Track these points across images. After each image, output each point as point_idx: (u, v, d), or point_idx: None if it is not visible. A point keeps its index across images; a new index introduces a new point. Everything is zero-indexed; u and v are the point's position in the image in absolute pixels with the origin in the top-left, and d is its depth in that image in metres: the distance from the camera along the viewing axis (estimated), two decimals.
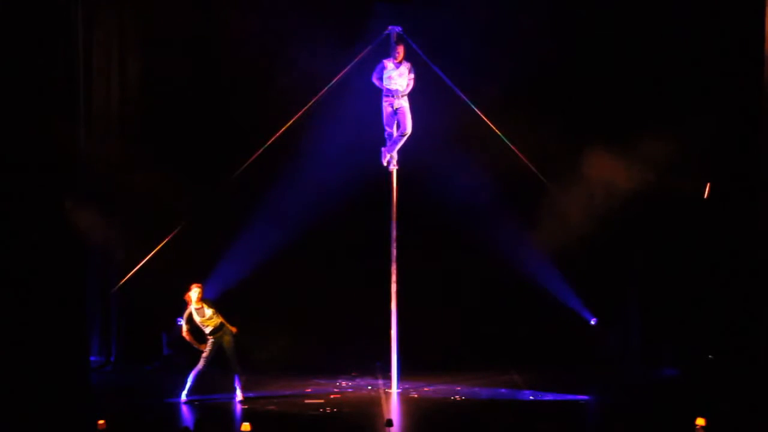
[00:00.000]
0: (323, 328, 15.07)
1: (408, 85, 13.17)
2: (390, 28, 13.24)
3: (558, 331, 15.06)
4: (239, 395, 12.86)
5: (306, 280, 15.10)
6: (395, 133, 13.28)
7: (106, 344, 15.11)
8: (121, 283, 13.96)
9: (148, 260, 13.48)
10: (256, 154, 13.41)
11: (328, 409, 12.24)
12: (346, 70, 13.39)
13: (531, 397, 13.01)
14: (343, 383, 13.90)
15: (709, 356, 14.32)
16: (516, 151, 13.59)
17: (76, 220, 13.24)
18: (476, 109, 13.49)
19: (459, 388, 13.53)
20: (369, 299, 14.15)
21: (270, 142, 13.41)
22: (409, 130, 13.20)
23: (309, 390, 13.45)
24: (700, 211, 14.30)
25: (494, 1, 14.89)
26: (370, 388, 13.63)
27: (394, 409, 12.53)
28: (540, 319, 15.10)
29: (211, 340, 12.92)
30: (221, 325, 12.92)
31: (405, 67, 13.13)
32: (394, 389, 13.25)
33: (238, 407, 12.47)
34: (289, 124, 13.45)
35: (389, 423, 10.42)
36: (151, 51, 14.96)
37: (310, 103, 13.45)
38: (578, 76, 14.83)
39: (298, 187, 14.87)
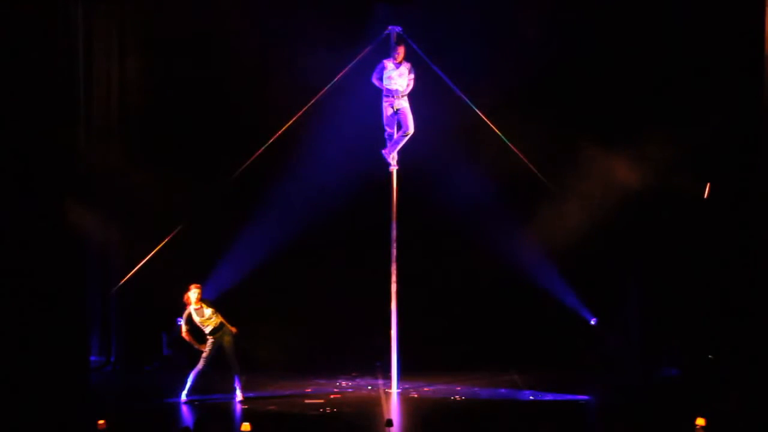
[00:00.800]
0: (323, 328, 15.07)
1: (408, 85, 13.17)
2: (390, 28, 13.24)
3: (558, 331, 15.06)
4: (239, 395, 12.87)
5: (306, 280, 15.10)
6: (395, 134, 13.28)
7: (106, 344, 15.12)
8: (121, 283, 13.96)
9: (148, 260, 13.49)
10: (256, 155, 13.42)
11: (328, 409, 12.23)
12: (346, 70, 13.39)
13: (531, 397, 13.01)
14: (343, 383, 13.90)
15: (709, 356, 14.32)
16: (516, 151, 13.59)
17: (76, 220, 13.25)
18: (476, 110, 13.49)
19: (459, 388, 13.53)
20: (369, 299, 14.14)
21: (270, 142, 13.41)
22: (411, 129, 13.20)
23: (309, 390, 13.45)
24: (700, 211, 14.30)
25: (494, 1, 14.88)
26: (370, 388, 13.63)
27: (394, 409, 12.53)
28: (540, 319, 15.09)
29: (210, 340, 12.93)
30: (221, 325, 12.93)
31: (405, 68, 13.14)
32: (394, 389, 13.25)
33: (238, 407, 12.47)
34: (289, 124, 13.45)
35: (389, 423, 10.42)
36: (151, 51, 14.95)
37: (310, 103, 13.45)
38: (578, 77, 14.82)
39: (298, 187, 14.88)
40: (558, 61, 14.77)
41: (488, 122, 13.50)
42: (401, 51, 13.10)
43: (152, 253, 13.46)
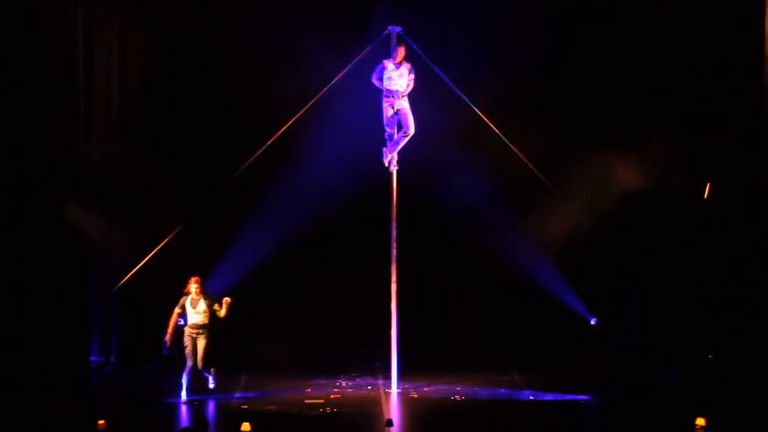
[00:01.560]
0: (323, 328, 15.07)
1: (408, 85, 13.17)
2: (390, 28, 13.24)
3: (558, 331, 15.06)
4: (211, 383, 13.00)
5: (306, 280, 15.10)
6: (396, 134, 13.28)
7: (106, 344, 15.12)
8: (121, 283, 13.96)
9: (148, 260, 13.49)
10: (256, 155, 13.42)
11: (328, 409, 12.23)
12: (346, 70, 13.39)
13: (531, 397, 13.01)
14: (343, 383, 13.90)
15: (709, 356, 14.32)
16: (516, 151, 13.59)
17: (76, 220, 13.24)
18: (476, 110, 13.49)
19: (459, 388, 13.53)
20: (369, 299, 14.14)
21: (270, 142, 13.42)
22: (412, 130, 13.20)
23: (309, 390, 13.45)
24: (700, 211, 14.31)
25: (495, 1, 14.88)
26: (370, 388, 13.63)
27: (394, 409, 12.53)
28: (540, 319, 15.09)
29: (187, 332, 12.98)
30: (205, 325, 12.95)
31: (405, 68, 13.13)
32: (394, 389, 13.25)
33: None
34: (289, 123, 13.46)
35: (389, 423, 10.42)
36: (151, 51, 14.96)
37: (310, 103, 13.45)
38: (578, 77, 14.83)
39: (299, 187, 14.87)
40: (558, 60, 14.77)
41: (488, 122, 13.50)
42: (401, 51, 13.10)
43: (152, 253, 13.47)
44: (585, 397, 12.81)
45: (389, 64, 13.14)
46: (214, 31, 14.86)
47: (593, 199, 14.69)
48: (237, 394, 13.04)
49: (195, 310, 13.02)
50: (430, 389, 13.54)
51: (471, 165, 14.84)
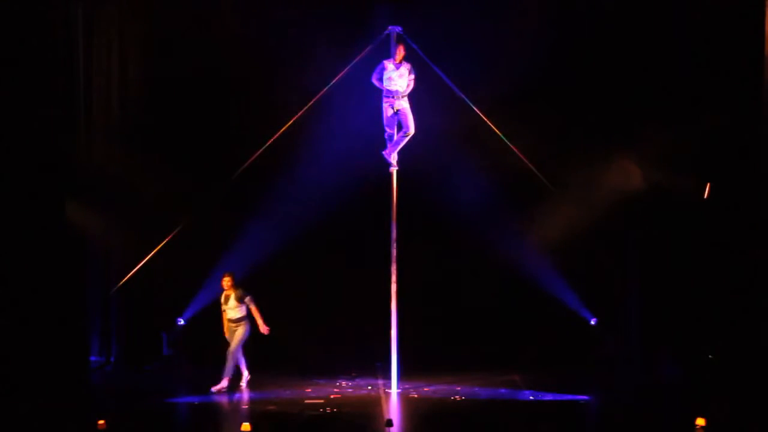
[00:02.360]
0: (323, 328, 15.07)
1: (408, 85, 13.17)
2: (390, 28, 13.23)
3: (558, 331, 15.06)
4: (219, 385, 13.29)
5: (306, 280, 15.10)
6: (395, 134, 13.28)
7: (106, 344, 15.12)
8: (121, 283, 13.97)
9: (148, 260, 13.50)
10: (256, 155, 13.43)
11: (328, 409, 12.23)
12: (346, 70, 13.39)
13: (531, 397, 13.01)
14: (343, 383, 13.90)
15: (709, 356, 14.33)
16: (516, 150, 13.60)
17: (76, 220, 13.25)
18: (476, 109, 13.50)
19: (459, 388, 13.53)
20: (369, 299, 14.14)
21: (270, 142, 13.42)
22: (412, 130, 13.20)
23: (309, 390, 13.45)
24: (700, 211, 14.31)
25: (495, 1, 14.89)
26: (370, 388, 13.63)
27: (394, 409, 12.52)
28: (540, 320, 15.09)
29: (229, 326, 13.65)
30: (240, 318, 13.53)
31: (405, 68, 13.13)
32: (394, 389, 13.25)
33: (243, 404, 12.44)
34: (289, 124, 13.46)
35: (389, 423, 10.42)
36: (151, 51, 14.96)
37: (310, 103, 13.46)
38: (578, 76, 14.83)
39: (298, 188, 14.87)
40: (558, 60, 14.76)
41: (488, 122, 13.50)
42: (401, 51, 13.10)
43: (152, 253, 13.48)
44: (585, 397, 12.80)
45: (389, 65, 13.14)
46: (214, 31, 14.85)
47: (593, 198, 14.68)
48: (237, 394, 13.03)
49: (228, 305, 13.55)
50: (430, 389, 13.53)
51: (471, 164, 14.84)
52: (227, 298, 13.57)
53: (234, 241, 14.94)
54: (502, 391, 13.48)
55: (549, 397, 12.98)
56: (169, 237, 13.43)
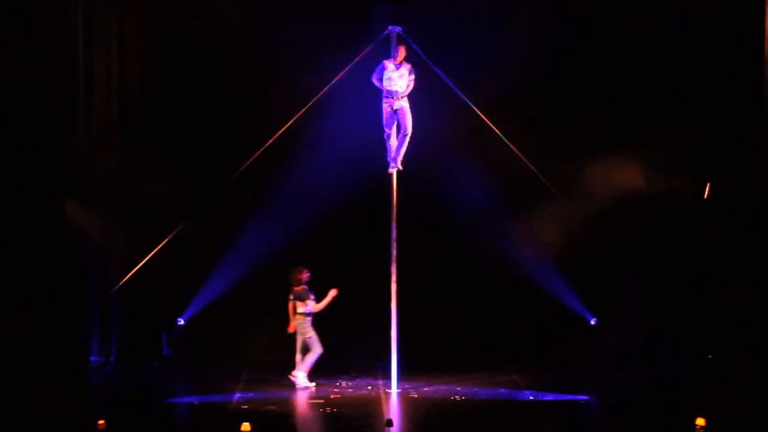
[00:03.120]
0: (323, 328, 15.05)
1: (408, 86, 13.15)
2: (390, 28, 13.23)
3: (558, 331, 15.06)
4: (294, 379, 13.47)
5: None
6: (393, 136, 13.25)
7: (106, 344, 15.11)
8: (121, 283, 13.97)
9: (148, 260, 13.50)
10: (256, 154, 13.43)
11: (328, 409, 12.23)
12: (346, 70, 13.39)
13: (531, 397, 13.00)
14: (343, 383, 13.90)
15: (709, 356, 14.32)
16: (516, 151, 13.59)
17: (76, 220, 13.25)
18: (476, 110, 13.49)
19: (459, 388, 13.53)
20: (369, 299, 14.14)
21: (270, 142, 13.42)
22: (409, 130, 13.19)
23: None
24: (700, 211, 14.31)
25: (495, 1, 14.89)
26: (370, 388, 13.63)
27: (394, 409, 12.52)
28: (540, 319, 15.09)
29: (310, 321, 13.69)
30: (311, 313, 13.58)
31: (405, 69, 13.12)
32: (394, 389, 13.25)
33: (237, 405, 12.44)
34: (289, 123, 13.46)
35: (389, 423, 10.42)
36: (151, 51, 14.96)
37: (310, 104, 13.45)
38: (578, 77, 14.83)
39: (298, 187, 14.86)
40: (558, 60, 14.76)
41: (488, 122, 13.50)
42: (402, 51, 13.09)
43: (152, 253, 13.47)
44: (585, 397, 12.80)
45: (389, 65, 13.14)
46: (214, 31, 14.86)
47: (593, 199, 14.67)
48: (237, 394, 13.04)
49: (299, 300, 13.62)
50: (430, 389, 13.53)
51: (471, 165, 14.84)
52: (303, 292, 13.57)
53: (234, 241, 14.93)
54: (502, 391, 13.48)
55: (549, 397, 12.97)
56: (169, 237, 13.42)
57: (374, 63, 13.27)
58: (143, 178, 14.53)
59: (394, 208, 13.35)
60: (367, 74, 13.32)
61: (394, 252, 13.38)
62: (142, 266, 13.59)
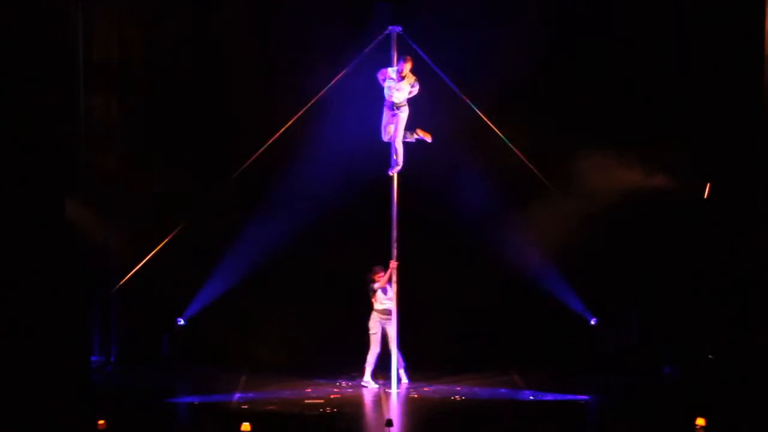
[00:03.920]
0: (323, 329, 15.06)
1: (410, 93, 13.11)
2: (390, 28, 13.22)
3: (558, 331, 15.06)
4: (404, 378, 13.46)
5: (306, 280, 15.09)
6: (384, 138, 13.24)
7: (106, 344, 15.11)
8: (121, 283, 13.96)
9: (148, 260, 13.49)
10: (256, 155, 13.42)
11: (328, 409, 12.23)
12: (346, 70, 13.39)
13: (531, 397, 13.01)
14: (343, 383, 13.90)
15: (709, 356, 14.32)
16: (516, 151, 13.59)
17: (76, 220, 13.24)
18: (476, 110, 13.49)
19: (459, 388, 13.53)
20: (369, 299, 14.12)
21: (270, 142, 13.42)
22: (399, 137, 13.11)
23: (309, 390, 13.44)
24: (700, 211, 14.31)
25: (495, 1, 14.89)
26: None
27: (394, 409, 12.52)
28: (540, 319, 15.09)
29: (377, 318, 13.53)
30: (391, 311, 13.40)
31: (407, 82, 13.03)
32: (394, 389, 13.25)
33: (238, 407, 12.43)
34: (289, 124, 13.45)
35: (389, 423, 10.42)
36: (151, 50, 14.95)
37: (309, 104, 13.45)
38: (578, 77, 14.82)
39: (299, 187, 14.85)
40: (558, 60, 14.76)
41: (488, 122, 13.50)
42: (408, 65, 12.99)
43: (152, 253, 13.47)
44: (585, 397, 12.80)
45: (392, 74, 13.05)
46: (214, 31, 14.85)
47: (593, 199, 14.67)
48: (237, 394, 13.04)
49: (386, 296, 13.46)
50: (430, 389, 13.53)
51: (470, 164, 14.84)
52: (383, 290, 13.48)
53: (234, 241, 14.92)
54: (502, 391, 13.48)
55: (549, 397, 12.98)
56: (170, 237, 13.42)
57: (374, 63, 13.24)
58: (143, 177, 14.52)
59: (395, 208, 13.35)
60: (367, 74, 13.31)
61: (395, 252, 13.38)
62: (142, 266, 13.58)
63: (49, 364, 12.45)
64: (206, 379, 13.92)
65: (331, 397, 13.02)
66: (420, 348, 14.26)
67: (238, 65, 14.84)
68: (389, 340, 13.46)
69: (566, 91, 14.85)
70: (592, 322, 14.89)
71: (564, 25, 14.77)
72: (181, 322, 14.80)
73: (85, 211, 13.61)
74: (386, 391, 13.31)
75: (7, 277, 12.35)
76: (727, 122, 14.03)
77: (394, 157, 13.25)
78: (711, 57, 14.15)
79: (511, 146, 13.58)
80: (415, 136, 13.29)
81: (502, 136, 13.55)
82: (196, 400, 12.74)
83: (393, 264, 13.38)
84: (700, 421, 10.37)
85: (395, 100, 13.03)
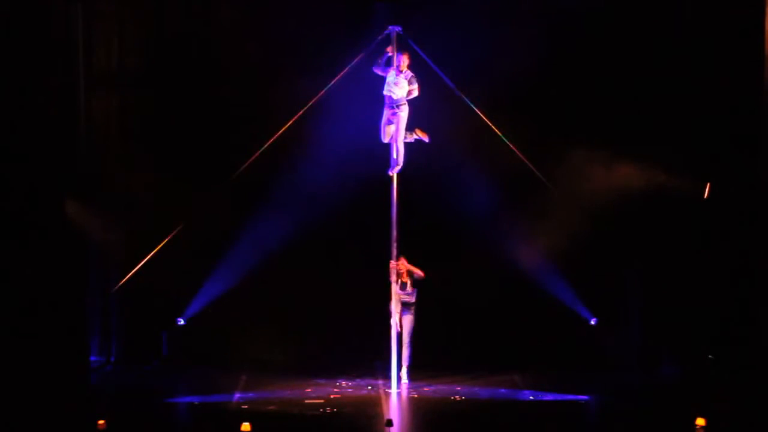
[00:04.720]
0: (323, 329, 15.07)
1: (410, 92, 13.12)
2: (390, 27, 13.23)
3: (558, 331, 15.06)
4: (404, 377, 13.43)
5: (306, 280, 15.09)
6: (384, 139, 13.24)
7: (106, 344, 15.12)
8: (121, 283, 13.97)
9: (148, 260, 13.49)
10: (256, 155, 13.44)
11: (328, 409, 12.23)
12: (345, 70, 13.39)
13: (531, 397, 13.01)
14: (343, 383, 13.90)
15: (709, 356, 14.33)
16: (516, 151, 13.60)
17: (76, 220, 13.24)
18: (476, 110, 13.50)
19: (459, 388, 13.53)
20: (369, 299, 14.14)
21: (270, 142, 13.43)
22: (401, 137, 13.13)
23: (309, 390, 13.44)
24: (700, 211, 14.31)
25: (495, 1, 14.89)
26: (370, 388, 13.63)
27: (394, 409, 12.52)
28: (540, 319, 15.09)
29: (397, 305, 13.50)
30: (413, 303, 13.54)
31: (404, 78, 13.04)
32: (394, 389, 13.25)
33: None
34: (289, 124, 13.46)
35: (389, 423, 10.42)
36: (151, 51, 14.96)
37: (309, 104, 13.46)
38: (578, 76, 14.83)
39: (299, 188, 14.86)
40: (558, 60, 14.76)
41: (488, 122, 13.51)
42: (405, 59, 13.01)
43: (152, 253, 13.47)
44: (585, 397, 12.80)
45: (391, 71, 13.06)
46: (214, 31, 14.86)
47: (593, 198, 14.67)
48: (237, 394, 13.04)
49: (403, 291, 13.54)
50: (430, 389, 13.53)
51: (471, 165, 14.84)
52: (403, 284, 13.52)
53: (234, 241, 14.93)
54: (502, 391, 13.48)
55: (549, 397, 12.98)
56: (169, 237, 13.43)
57: (374, 63, 13.25)
58: (143, 177, 14.52)
59: (395, 209, 13.35)
60: (367, 74, 13.31)
61: (395, 252, 13.39)
62: (142, 266, 13.58)
63: (49, 364, 12.44)
64: (206, 379, 13.92)
65: (331, 397, 13.01)
66: (420, 348, 14.25)
67: (238, 65, 14.84)
68: (404, 331, 13.51)
69: (566, 91, 14.85)
70: (592, 322, 14.90)
71: (563, 24, 14.77)
72: (181, 322, 14.80)
73: (85, 211, 13.61)
74: (386, 391, 13.31)
75: (6, 277, 12.35)
76: (727, 122, 14.03)
77: (394, 157, 13.26)
78: (711, 57, 14.15)
79: (511, 146, 13.59)
80: (414, 136, 13.30)
81: (502, 136, 13.55)
82: (196, 400, 12.74)
83: (393, 264, 13.38)
84: (700, 421, 10.37)
85: (394, 96, 13.03)
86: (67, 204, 12.95)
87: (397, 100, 13.06)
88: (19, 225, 12.36)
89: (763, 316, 13.21)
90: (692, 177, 14.36)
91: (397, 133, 13.13)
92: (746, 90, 13.64)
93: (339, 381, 13.98)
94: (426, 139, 13.29)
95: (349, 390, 13.53)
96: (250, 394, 13.00)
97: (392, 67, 13.10)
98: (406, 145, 13.29)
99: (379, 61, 13.16)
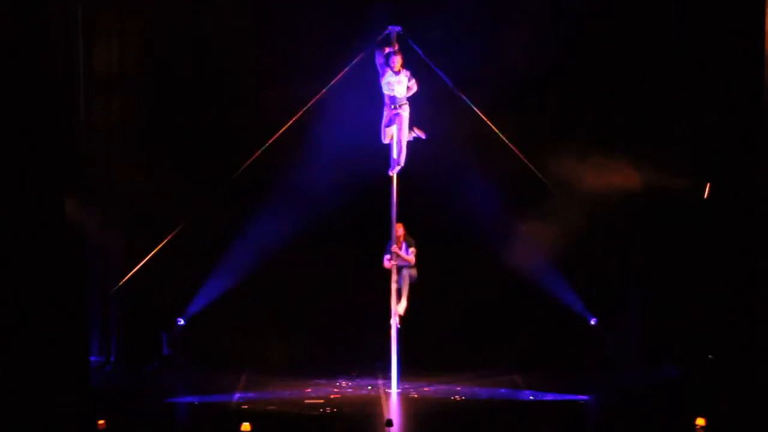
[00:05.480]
0: (323, 328, 15.07)
1: (409, 89, 13.12)
2: (390, 27, 13.22)
3: (558, 331, 15.06)
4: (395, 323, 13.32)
5: (306, 280, 15.10)
6: (395, 139, 13.23)
7: (106, 344, 15.12)
8: (121, 283, 13.97)
9: (148, 260, 13.49)
10: (256, 155, 13.43)
11: (328, 409, 12.23)
12: (345, 70, 13.39)
13: (531, 397, 13.01)
14: (343, 383, 13.90)
15: (709, 356, 14.33)
16: (516, 151, 13.59)
17: (76, 220, 13.24)
18: (476, 110, 13.49)
19: (459, 388, 13.53)
20: (369, 299, 14.14)
21: (270, 142, 13.42)
22: (405, 137, 13.12)
23: (309, 390, 13.44)
24: (700, 211, 14.31)
25: (495, 1, 14.89)
26: (370, 388, 13.63)
27: (394, 409, 12.52)
28: (540, 320, 15.09)
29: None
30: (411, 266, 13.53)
31: (404, 75, 13.05)
32: (394, 389, 13.25)
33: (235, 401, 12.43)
34: (288, 124, 13.45)
35: (389, 423, 10.42)
36: (151, 51, 14.96)
37: (309, 104, 13.45)
38: (578, 76, 14.84)
39: (298, 188, 14.87)
40: (558, 60, 14.77)
41: (487, 122, 13.50)
42: (399, 59, 13.01)
43: (152, 253, 13.47)
44: (585, 397, 12.80)
45: (388, 71, 13.07)
46: (214, 31, 14.86)
47: (593, 198, 14.67)
48: (237, 394, 13.03)
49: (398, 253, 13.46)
50: (430, 389, 13.53)
51: (470, 165, 14.84)
52: (399, 246, 13.50)
53: (234, 241, 14.94)
54: (502, 391, 13.48)
55: (549, 397, 12.98)
56: (169, 237, 13.42)
57: (374, 63, 13.24)
58: (143, 178, 14.52)
59: (395, 209, 13.35)
60: (367, 74, 13.31)
61: (395, 252, 13.39)
62: (141, 266, 13.58)
63: (49, 364, 12.45)
64: (206, 379, 13.92)
65: (331, 397, 13.01)
66: (420, 348, 14.27)
67: (238, 65, 14.85)
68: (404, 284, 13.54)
69: (566, 91, 14.86)
70: (592, 322, 14.90)
71: (564, 24, 14.78)
72: (181, 322, 14.81)
73: (85, 211, 13.61)
74: (386, 391, 13.31)
75: (6, 277, 12.35)
76: (727, 122, 14.03)
77: (394, 157, 13.25)
78: (711, 57, 14.15)
79: (511, 146, 13.58)
80: (413, 134, 13.30)
81: (502, 136, 13.55)
82: (196, 400, 12.74)
83: (389, 265, 13.37)
84: (700, 421, 10.36)
85: (397, 94, 13.02)
86: (67, 204, 12.97)
87: (399, 99, 13.05)
88: (19, 225, 12.37)
89: (763, 316, 13.21)
90: (692, 177, 14.35)
91: (400, 132, 13.12)
92: (746, 90, 13.64)
93: (339, 381, 13.99)
94: (423, 135, 13.28)
95: (349, 390, 13.53)
96: (250, 394, 13.00)
97: (388, 68, 13.07)
98: (407, 144, 13.28)
99: (384, 51, 13.11)
